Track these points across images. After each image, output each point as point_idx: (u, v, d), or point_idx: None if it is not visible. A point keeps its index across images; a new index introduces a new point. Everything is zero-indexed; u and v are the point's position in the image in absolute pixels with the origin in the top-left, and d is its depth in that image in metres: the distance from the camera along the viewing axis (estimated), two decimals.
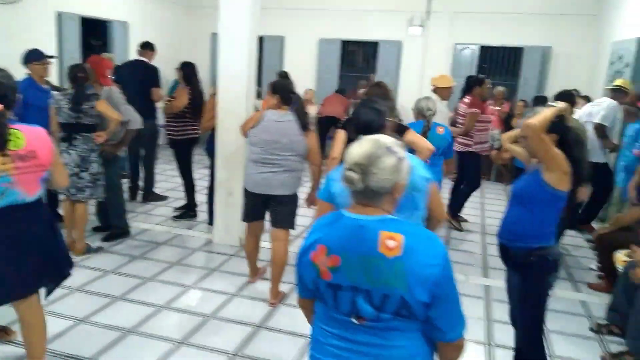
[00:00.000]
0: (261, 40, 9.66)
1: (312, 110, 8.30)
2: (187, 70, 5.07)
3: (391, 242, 1.35)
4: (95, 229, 4.72)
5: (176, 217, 5.33)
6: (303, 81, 8.69)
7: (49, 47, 6.13)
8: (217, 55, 4.36)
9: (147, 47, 5.83)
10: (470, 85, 5.42)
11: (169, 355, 2.92)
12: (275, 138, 3.35)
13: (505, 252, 2.52)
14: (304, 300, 1.61)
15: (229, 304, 3.57)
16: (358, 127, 2.22)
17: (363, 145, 1.41)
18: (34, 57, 4.32)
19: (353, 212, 1.44)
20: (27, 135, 2.21)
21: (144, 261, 4.21)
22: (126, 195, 5.87)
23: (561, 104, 2.37)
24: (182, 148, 5.24)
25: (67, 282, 3.64)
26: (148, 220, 5.23)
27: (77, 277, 3.80)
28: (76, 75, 3.98)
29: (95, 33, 7.80)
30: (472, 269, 4.44)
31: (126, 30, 8.07)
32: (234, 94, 4.31)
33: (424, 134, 3.83)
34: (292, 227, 3.60)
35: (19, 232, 2.25)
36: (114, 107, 4.20)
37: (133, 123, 4.43)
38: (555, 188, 2.30)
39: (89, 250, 4.25)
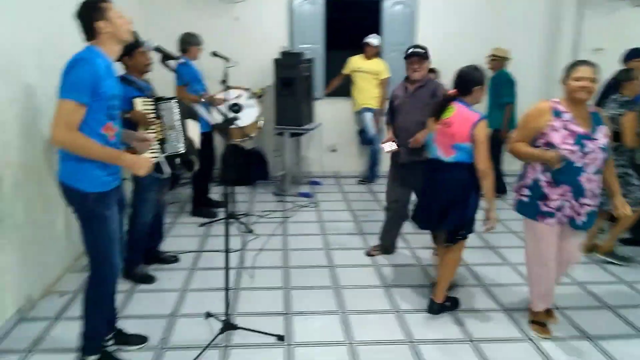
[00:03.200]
0: None
1: None
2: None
3: None
4: (624, 241, 4.17)
5: None
6: None
7: None
8: None
9: None
10: None
11: None
12: None
13: None
14: None
15: None
16: None
17: None
18: (634, 55, 4.28)
19: None
20: (456, 111, 2.83)
21: None
22: None
23: None
24: None
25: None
26: None
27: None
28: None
29: None
30: None
31: None
32: None
33: None
34: None
35: (434, 181, 2.96)
36: None
37: None
38: None
39: (611, 254, 3.86)
